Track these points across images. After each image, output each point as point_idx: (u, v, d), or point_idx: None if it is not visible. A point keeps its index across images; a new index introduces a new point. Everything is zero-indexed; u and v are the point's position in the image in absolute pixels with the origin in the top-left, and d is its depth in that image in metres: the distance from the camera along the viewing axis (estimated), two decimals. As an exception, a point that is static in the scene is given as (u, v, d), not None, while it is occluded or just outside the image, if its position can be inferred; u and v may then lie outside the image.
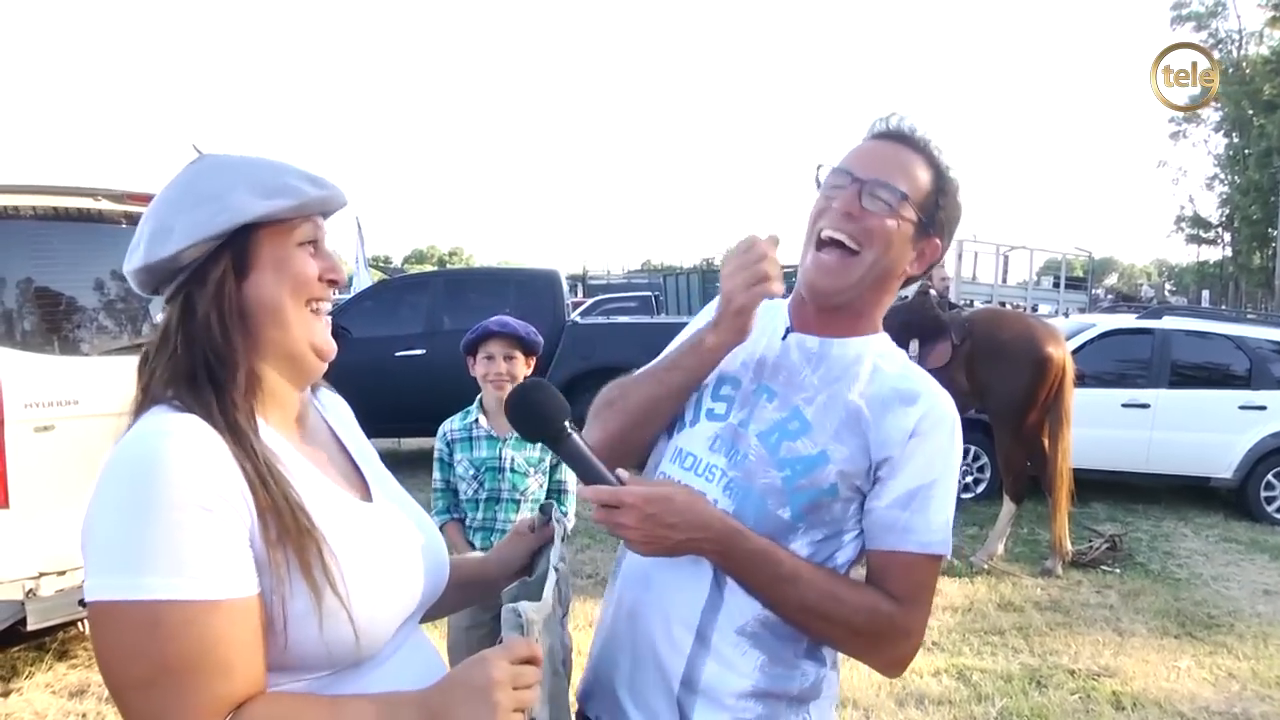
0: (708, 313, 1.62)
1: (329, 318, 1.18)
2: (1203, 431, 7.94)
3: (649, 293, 23.20)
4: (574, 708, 1.48)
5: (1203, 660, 4.73)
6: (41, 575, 3.71)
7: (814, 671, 1.43)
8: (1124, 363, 8.28)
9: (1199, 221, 36.41)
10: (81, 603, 3.66)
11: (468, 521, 3.14)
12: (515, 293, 9.34)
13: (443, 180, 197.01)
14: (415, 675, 1.09)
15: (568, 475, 3.23)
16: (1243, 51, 32.95)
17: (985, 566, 6.17)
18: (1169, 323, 8.39)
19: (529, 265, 21.82)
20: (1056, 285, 24.24)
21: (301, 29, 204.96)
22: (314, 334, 1.14)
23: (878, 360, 1.45)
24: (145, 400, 1.07)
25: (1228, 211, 34.77)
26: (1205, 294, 34.75)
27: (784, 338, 1.49)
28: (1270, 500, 7.94)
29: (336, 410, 1.34)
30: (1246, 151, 32.61)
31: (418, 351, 8.85)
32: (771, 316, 1.52)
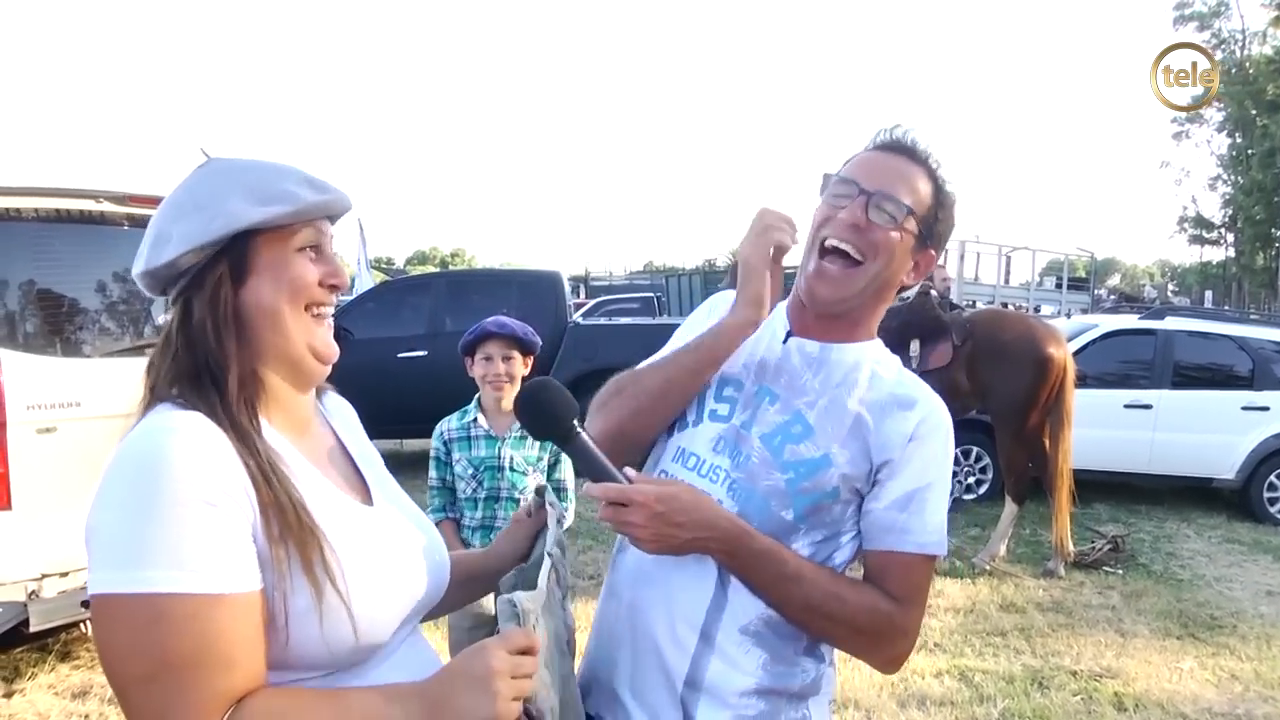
0: (700, 312, 1.65)
1: (331, 321, 1.18)
2: (1205, 432, 7.94)
3: (651, 294, 23.20)
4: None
5: (1205, 661, 4.73)
6: (44, 577, 3.72)
7: (814, 669, 1.45)
8: (1126, 363, 8.27)
9: (1202, 222, 36.35)
10: (84, 604, 3.69)
11: (466, 521, 3.15)
12: (517, 294, 9.34)
13: (445, 182, 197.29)
14: (415, 675, 1.09)
15: (566, 474, 3.24)
16: (1246, 51, 32.90)
17: (987, 567, 6.17)
18: (1171, 323, 8.38)
19: (531, 266, 21.82)
20: (1059, 286, 24.20)
21: (304, 30, 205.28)
22: (313, 338, 1.15)
23: (875, 367, 1.49)
24: (151, 398, 1.08)
25: (1231, 212, 34.72)
26: (1208, 295, 34.68)
27: (784, 341, 1.51)
28: (1273, 501, 7.93)
29: (341, 414, 1.34)
30: (1250, 152, 32.55)
31: (420, 353, 8.85)
32: (771, 319, 1.52)
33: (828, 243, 1.43)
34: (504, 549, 1.47)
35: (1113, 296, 32.50)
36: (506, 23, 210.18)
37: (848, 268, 1.43)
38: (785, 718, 1.43)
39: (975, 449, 7.99)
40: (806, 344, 1.50)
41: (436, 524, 3.02)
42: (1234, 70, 32.12)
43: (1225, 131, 34.60)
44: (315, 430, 1.24)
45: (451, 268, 59.87)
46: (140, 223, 4.14)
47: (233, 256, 1.09)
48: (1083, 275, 27.06)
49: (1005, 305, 18.24)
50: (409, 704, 1.00)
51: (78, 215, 4.08)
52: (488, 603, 2.25)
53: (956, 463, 7.97)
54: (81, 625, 4.10)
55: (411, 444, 9.58)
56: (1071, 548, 6.24)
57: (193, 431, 1.00)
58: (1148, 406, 7.97)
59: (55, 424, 3.78)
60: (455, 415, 3.20)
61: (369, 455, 1.31)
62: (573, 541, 6.30)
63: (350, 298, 10.02)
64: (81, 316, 4.14)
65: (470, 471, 3.10)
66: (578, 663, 1.53)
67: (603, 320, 13.73)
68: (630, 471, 1.32)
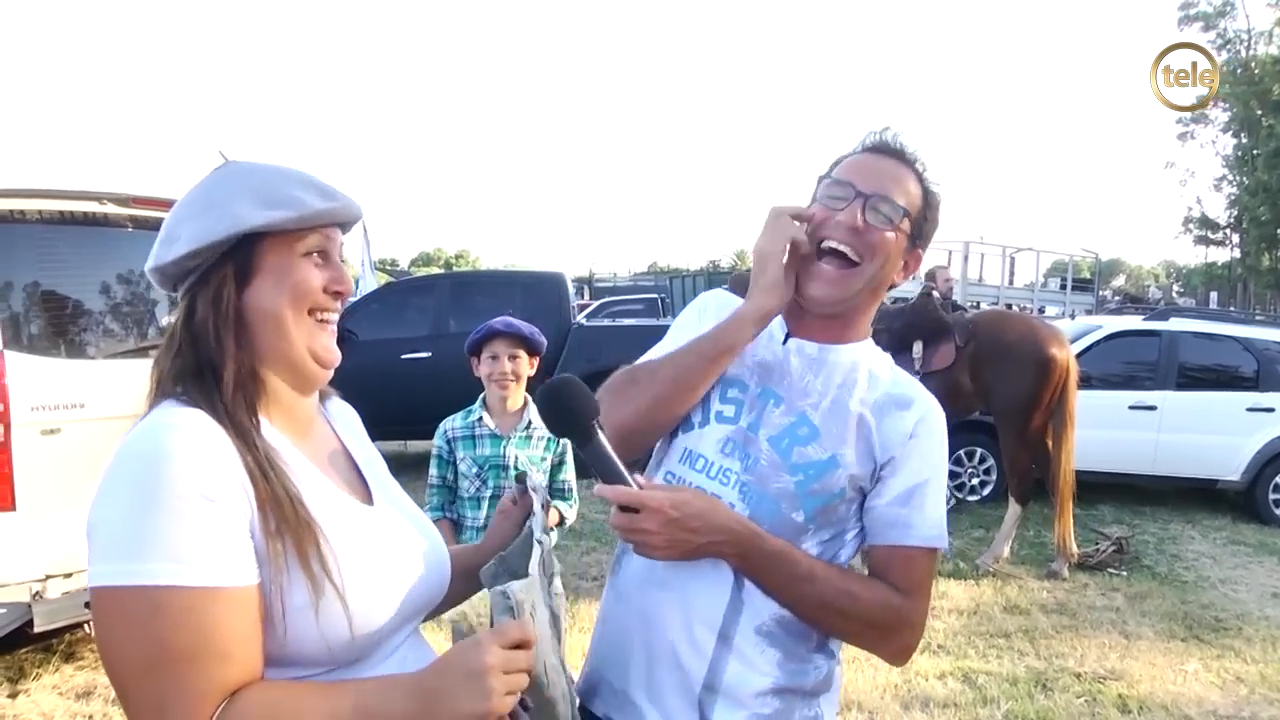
0: (690, 312, 1.65)
1: (334, 327, 1.19)
2: (1210, 434, 7.92)
3: (655, 295, 23.20)
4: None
5: (1210, 663, 4.72)
6: (48, 578, 3.73)
7: (825, 665, 1.48)
8: (1131, 364, 8.26)
9: (1207, 223, 36.18)
10: (88, 605, 3.69)
11: (468, 521, 3.14)
12: (521, 295, 9.34)
13: (449, 183, 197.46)
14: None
15: (569, 475, 3.24)
16: (1251, 51, 32.76)
17: (991, 569, 6.16)
18: (1176, 324, 8.37)
19: (536, 268, 21.83)
20: (1063, 287, 24.20)
21: (309, 33, 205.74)
22: (315, 342, 1.15)
23: (871, 367, 1.52)
24: (157, 394, 1.09)
25: (1236, 213, 34.55)
26: (1214, 296, 34.65)
27: (784, 342, 1.52)
28: (1278, 503, 7.91)
29: (344, 418, 1.35)
30: (1255, 152, 32.41)
31: (423, 354, 8.86)
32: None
33: (827, 245, 1.45)
34: (494, 543, 1.47)
35: (1117, 298, 32.48)
36: (512, 24, 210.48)
37: (845, 269, 1.45)
38: (799, 716, 1.45)
39: (979, 450, 7.98)
40: (806, 345, 1.51)
41: (435, 523, 3.04)
42: (1239, 70, 32.00)
43: (1230, 132, 34.44)
44: (317, 432, 1.24)
45: (456, 269, 59.92)
46: (144, 225, 4.15)
47: (238, 258, 1.11)
48: (1087, 276, 27.08)
49: (1009, 306, 18.24)
50: (403, 696, 1.01)
51: (82, 217, 4.09)
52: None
53: (960, 464, 7.98)
54: (85, 626, 4.10)
55: (416, 445, 9.58)
56: (1075, 549, 6.22)
57: (192, 428, 1.01)
58: (1152, 408, 7.96)
59: (59, 425, 3.79)
60: (460, 414, 3.20)
61: (371, 458, 1.31)
62: (576, 543, 6.30)
63: (354, 299, 10.03)
64: (85, 318, 4.15)
65: (475, 470, 3.11)
66: (579, 662, 1.53)
67: (606, 321, 13.72)
68: (640, 478, 1.32)
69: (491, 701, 0.99)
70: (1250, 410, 7.90)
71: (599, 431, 1.29)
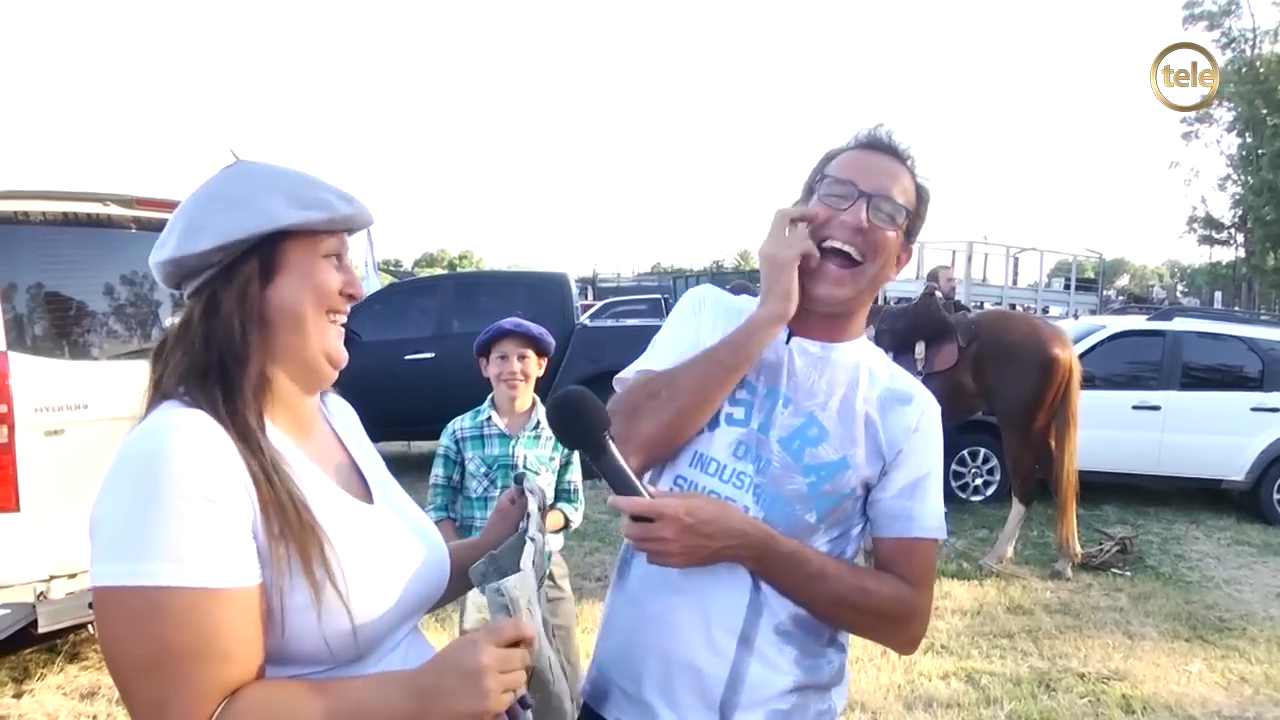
0: (685, 309, 1.64)
1: (342, 329, 1.21)
2: (1214, 434, 7.91)
3: (658, 295, 23.19)
4: (578, 702, 1.51)
5: (1214, 664, 4.71)
6: (52, 578, 3.74)
7: (837, 659, 1.52)
8: (1135, 364, 8.25)
9: (1211, 222, 36.12)
10: (91, 605, 3.70)
11: (477, 521, 3.14)
12: (524, 296, 9.34)
13: (453, 184, 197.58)
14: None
15: (576, 476, 3.25)
16: (1257, 50, 32.71)
17: (994, 569, 6.16)
18: (1180, 324, 8.36)
19: (539, 268, 21.81)
20: (1067, 287, 24.17)
21: (312, 33, 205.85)
22: (328, 343, 1.17)
23: (871, 365, 1.53)
24: (156, 395, 1.09)
25: (1241, 212, 34.49)
26: (1218, 295, 34.55)
27: (786, 342, 1.52)
28: (1283, 503, 7.87)
29: (342, 415, 1.36)
30: (1260, 152, 32.35)
31: (427, 355, 8.87)
32: None
33: (830, 245, 1.45)
34: (490, 540, 1.47)
35: (1121, 297, 32.45)
36: (515, 25, 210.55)
37: (848, 268, 1.46)
38: (814, 710, 1.47)
39: (982, 450, 7.99)
40: (808, 345, 1.51)
41: (436, 523, 3.04)
42: (1244, 70, 31.97)
43: (1235, 131, 34.38)
44: (317, 431, 1.25)
45: (459, 270, 59.97)
46: (147, 226, 4.17)
47: (263, 255, 1.12)
48: (1091, 276, 27.03)
49: (1013, 306, 18.22)
50: (400, 694, 1.01)
51: (85, 219, 4.11)
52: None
53: (963, 464, 7.98)
54: (89, 627, 4.11)
55: (419, 446, 9.59)
56: (1078, 549, 6.21)
57: (194, 429, 1.01)
58: (1156, 408, 7.95)
59: (63, 426, 3.80)
60: (468, 414, 3.21)
61: (369, 456, 1.32)
62: (579, 543, 6.30)
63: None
64: (89, 319, 4.16)
65: (483, 470, 3.11)
66: (585, 663, 1.53)
67: (610, 322, 13.73)
68: (651, 487, 1.32)
69: (488, 701, 1.00)
70: (1254, 410, 7.88)
71: (610, 443, 1.29)
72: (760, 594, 1.41)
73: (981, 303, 18.60)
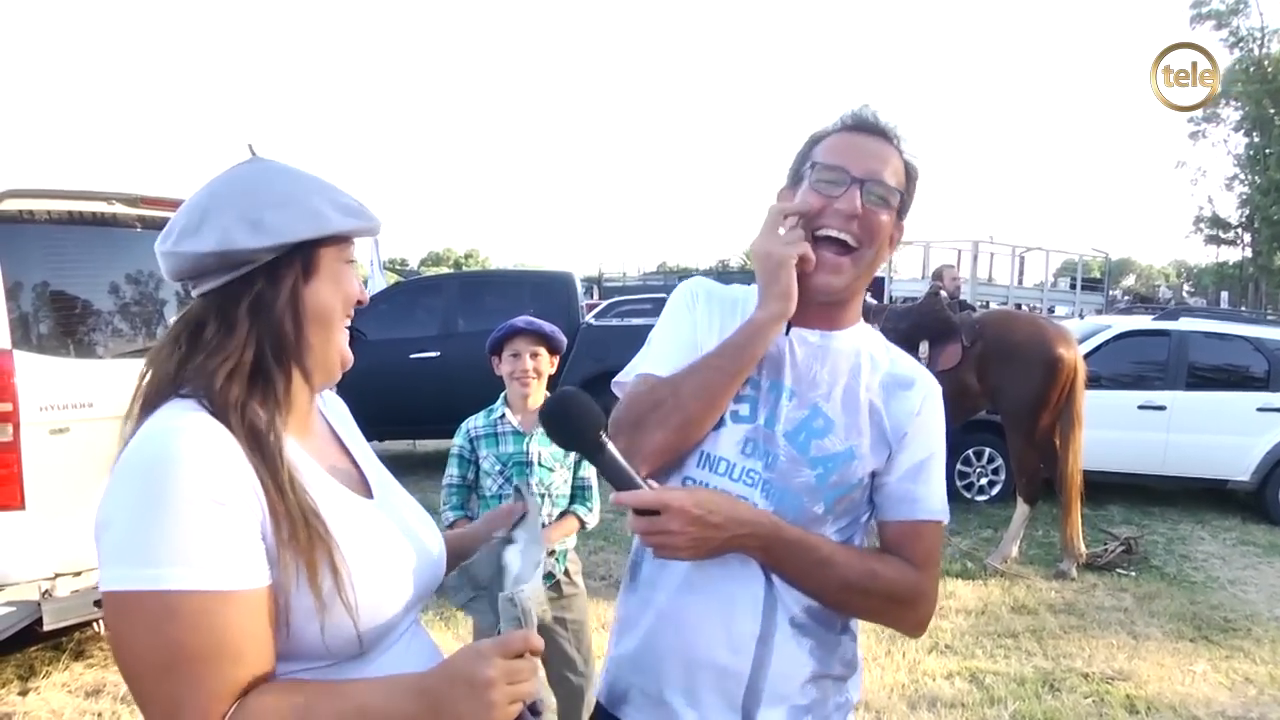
0: (680, 302, 1.63)
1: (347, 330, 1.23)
2: (1220, 434, 7.88)
3: (664, 294, 23.15)
4: (591, 703, 1.51)
5: (1219, 664, 4.70)
6: (57, 576, 3.75)
7: (850, 647, 1.53)
8: (1140, 364, 8.22)
9: (1218, 222, 35.95)
10: (97, 603, 3.72)
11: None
12: (529, 295, 9.34)
13: (459, 183, 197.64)
14: (414, 665, 1.13)
15: (590, 472, 3.24)
16: (1265, 49, 32.58)
17: (999, 569, 6.15)
18: (1186, 324, 8.33)
19: (545, 267, 21.83)
20: (1073, 286, 24.11)
21: (318, 32, 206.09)
22: (343, 345, 1.20)
23: (871, 351, 1.53)
24: (156, 396, 1.08)
25: (1248, 212, 34.33)
26: (1225, 295, 34.42)
27: (785, 334, 1.50)
28: (1288, 503, 7.84)
29: (334, 409, 1.37)
30: (1268, 151, 32.20)
31: (432, 354, 8.88)
32: None
33: (826, 233, 1.44)
34: (482, 530, 1.47)
35: (1127, 297, 32.37)
36: (520, 23, 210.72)
37: (843, 254, 1.44)
38: (833, 703, 1.49)
39: (987, 450, 7.97)
40: (807, 334, 1.50)
41: (453, 523, 3.05)
42: (1252, 69, 31.85)
43: (1242, 131, 34.22)
44: (315, 428, 1.26)
45: (465, 269, 60.01)
46: (152, 225, 4.18)
47: (304, 257, 1.13)
48: (1097, 276, 26.96)
49: (1019, 306, 18.19)
50: (409, 698, 1.02)
51: (90, 217, 4.12)
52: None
53: (968, 463, 7.97)
54: (94, 624, 4.13)
55: (425, 444, 9.61)
56: (1083, 549, 6.20)
57: (200, 432, 1.01)
58: (1162, 408, 7.93)
59: (68, 424, 3.81)
60: (482, 413, 3.21)
61: (363, 449, 1.33)
62: (584, 542, 6.30)
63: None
64: (94, 318, 4.17)
65: (498, 468, 3.11)
66: (598, 664, 1.53)
67: (615, 321, 13.73)
68: (653, 483, 1.32)
69: (493, 713, 1.00)
70: (1260, 410, 7.85)
71: (607, 441, 1.27)
72: (773, 589, 1.41)
73: (987, 302, 18.57)
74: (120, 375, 3.96)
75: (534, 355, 3.13)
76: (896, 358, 1.54)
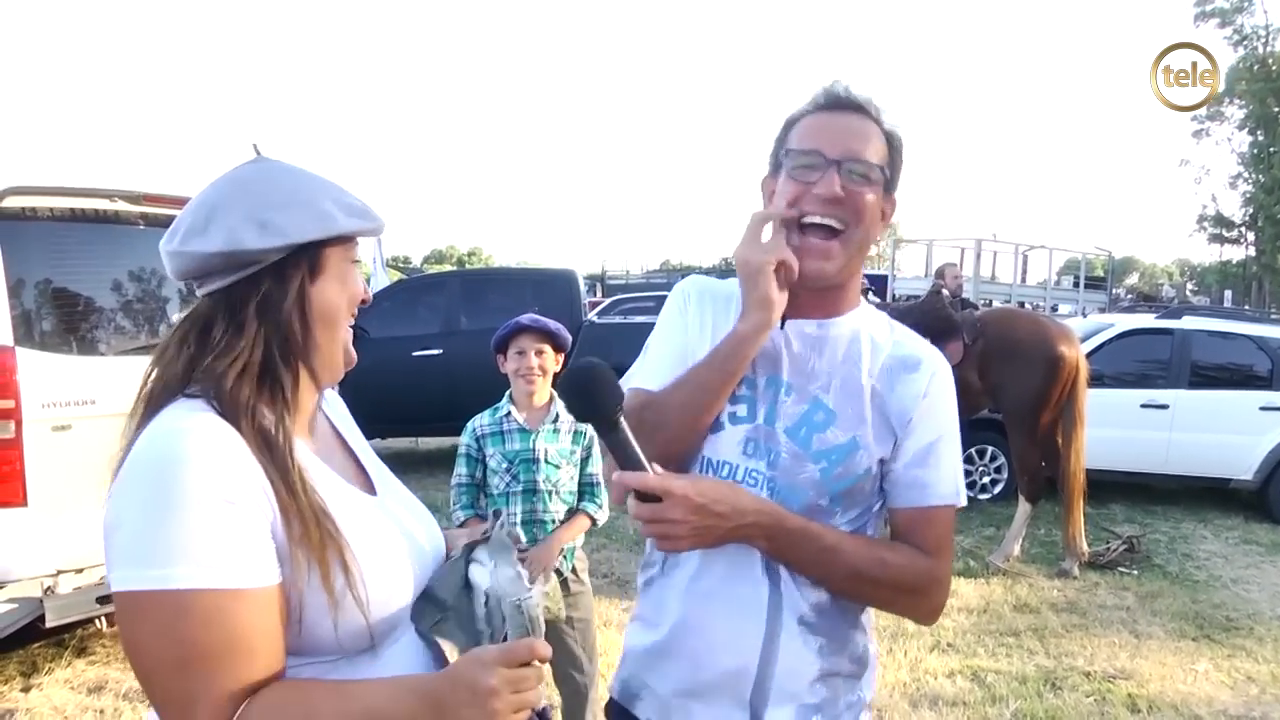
0: (675, 303, 1.62)
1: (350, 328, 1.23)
2: (1223, 433, 7.87)
3: (667, 292, 23.04)
4: (603, 699, 1.51)
5: (1221, 663, 4.69)
6: (59, 573, 3.75)
7: (862, 642, 1.51)
8: (1143, 363, 8.21)
9: (1222, 221, 35.94)
10: (99, 600, 3.72)
11: (505, 517, 3.13)
12: (532, 293, 9.34)
13: (462, 180, 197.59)
14: (417, 661, 1.16)
15: (597, 469, 3.24)
16: (1269, 48, 32.55)
17: (1001, 567, 6.15)
18: (1189, 323, 8.32)
19: (548, 265, 21.81)
20: (1076, 285, 24.03)
21: (320, 30, 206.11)
22: (347, 344, 1.20)
23: (872, 333, 1.49)
24: (163, 394, 1.08)
25: (1251, 211, 34.33)
26: (1228, 294, 34.40)
27: (781, 327, 1.47)
28: (1291, 502, 7.83)
29: (334, 406, 1.37)
30: (1271, 149, 32.22)
31: (435, 351, 8.89)
32: None
33: (810, 220, 1.40)
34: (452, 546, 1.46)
35: (1130, 296, 32.29)
36: (522, 21, 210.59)
37: (830, 238, 1.40)
38: (844, 701, 1.48)
39: (990, 448, 7.97)
40: (804, 325, 1.47)
41: (464, 521, 3.06)
42: (1256, 67, 31.82)
43: (1246, 129, 34.20)
44: (318, 426, 1.26)
45: (468, 266, 60.00)
46: (155, 222, 4.18)
47: (310, 257, 1.13)
48: (1100, 274, 26.83)
49: (1022, 304, 18.15)
50: (413, 701, 1.02)
51: (93, 215, 4.12)
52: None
53: (970, 462, 7.96)
54: (97, 621, 4.13)
55: (427, 442, 9.62)
56: (1085, 547, 6.20)
57: (208, 432, 1.02)
58: (1164, 406, 7.92)
59: (70, 422, 3.82)
60: (487, 411, 3.22)
61: (363, 444, 1.34)
62: (587, 539, 6.29)
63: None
64: (97, 315, 4.17)
65: (504, 466, 3.12)
66: (601, 658, 1.52)
67: (618, 319, 13.73)
68: (658, 468, 1.28)
69: None
70: (1263, 409, 7.83)
71: (621, 419, 1.25)
72: (779, 588, 1.40)
73: (990, 300, 18.54)
74: (122, 372, 3.96)
75: (539, 353, 3.14)
76: (901, 338, 1.50)
